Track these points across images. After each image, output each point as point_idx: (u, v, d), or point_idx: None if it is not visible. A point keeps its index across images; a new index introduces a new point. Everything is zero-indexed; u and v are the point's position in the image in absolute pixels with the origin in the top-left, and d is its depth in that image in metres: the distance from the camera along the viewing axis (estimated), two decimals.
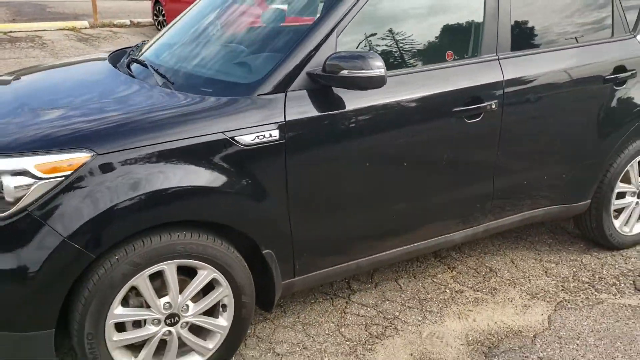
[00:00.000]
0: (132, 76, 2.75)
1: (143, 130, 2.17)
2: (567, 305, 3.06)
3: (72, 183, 2.06)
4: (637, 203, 3.56)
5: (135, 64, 2.92)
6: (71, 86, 2.77)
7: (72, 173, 2.06)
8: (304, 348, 2.70)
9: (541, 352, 2.69)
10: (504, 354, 2.67)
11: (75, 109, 2.36)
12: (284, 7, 3.26)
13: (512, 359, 2.64)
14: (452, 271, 3.38)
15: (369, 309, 3.01)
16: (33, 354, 2.16)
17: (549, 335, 2.81)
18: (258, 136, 2.30)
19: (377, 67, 2.27)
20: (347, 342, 2.75)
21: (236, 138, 2.26)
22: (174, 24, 3.40)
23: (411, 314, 2.97)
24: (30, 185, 2.04)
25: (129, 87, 2.60)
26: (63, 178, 2.05)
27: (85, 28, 14.40)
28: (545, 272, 3.39)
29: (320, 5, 2.90)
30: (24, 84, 2.87)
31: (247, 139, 2.28)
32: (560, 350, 2.70)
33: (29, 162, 2.05)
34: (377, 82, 2.30)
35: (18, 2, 21.75)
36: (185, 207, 2.21)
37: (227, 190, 2.26)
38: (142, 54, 3.07)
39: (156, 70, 2.70)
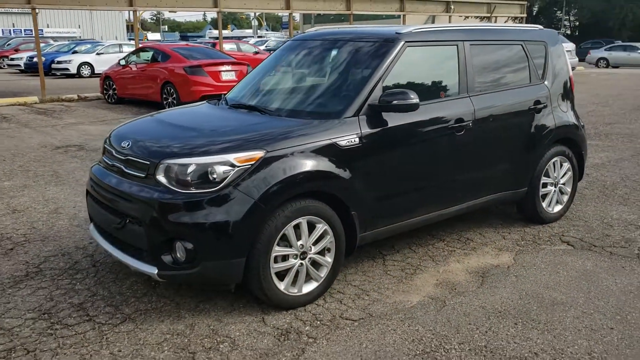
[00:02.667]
0: (247, 111, 4.25)
1: (289, 138, 3.67)
2: (522, 252, 4.74)
3: (255, 168, 3.51)
4: (554, 191, 5.37)
5: (240, 104, 4.42)
6: (212, 117, 4.24)
7: (255, 162, 3.51)
8: (369, 281, 4.18)
9: (515, 273, 4.32)
10: (493, 275, 4.28)
11: (238, 129, 3.84)
12: None
13: (499, 278, 4.24)
14: (443, 241, 4.98)
15: (398, 262, 4.54)
16: (231, 275, 3.52)
17: (517, 265, 4.46)
18: (348, 141, 3.85)
19: (414, 98, 3.92)
20: (394, 277, 4.25)
21: (337, 142, 3.81)
22: (251, 77, 4.94)
23: (428, 263, 4.52)
24: (231, 170, 3.47)
25: (256, 117, 4.09)
26: (250, 165, 3.50)
27: (36, 103, 15.31)
28: (503, 237, 5.08)
29: (329, 69, 4.56)
30: (172, 117, 4.30)
31: (343, 143, 3.83)
32: (525, 272, 4.34)
33: (231, 157, 3.49)
34: (414, 107, 3.94)
35: None
36: (316, 182, 3.70)
37: (336, 173, 3.77)
38: (240, 99, 4.58)
39: (265, 108, 4.21)
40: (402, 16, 23.15)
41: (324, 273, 3.87)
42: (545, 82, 5.24)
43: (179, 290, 4.04)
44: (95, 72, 25.23)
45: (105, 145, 4.18)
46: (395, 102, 3.91)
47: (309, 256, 3.78)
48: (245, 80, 5.04)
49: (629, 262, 4.50)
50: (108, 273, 4.35)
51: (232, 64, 13.26)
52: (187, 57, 13.09)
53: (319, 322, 3.61)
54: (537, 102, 5.08)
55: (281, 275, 3.71)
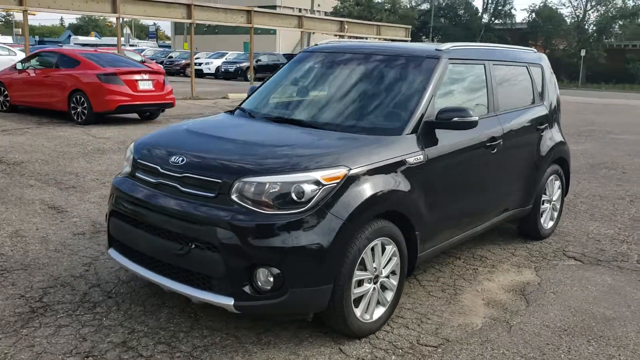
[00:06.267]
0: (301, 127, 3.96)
1: (365, 155, 3.46)
2: (540, 268, 4.85)
3: (341, 187, 3.26)
4: (549, 208, 5.58)
5: (279, 118, 4.14)
6: (264, 131, 3.91)
7: (340, 181, 3.27)
8: (419, 304, 4.04)
9: (550, 290, 4.39)
10: (532, 293, 4.32)
11: (310, 144, 3.57)
12: None
13: (539, 295, 4.29)
14: (460, 259, 4.97)
15: (433, 282, 4.45)
16: (317, 302, 3.23)
17: (545, 282, 4.54)
18: (415, 159, 3.71)
19: (473, 115, 3.87)
20: (440, 299, 4.15)
21: (407, 160, 3.66)
22: (269, 88, 4.64)
23: (462, 283, 4.47)
24: (318, 189, 3.20)
25: (316, 132, 3.80)
26: (335, 184, 3.25)
27: None
28: (512, 254, 5.17)
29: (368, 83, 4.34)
30: (214, 129, 3.92)
31: (411, 160, 3.68)
32: (558, 288, 4.44)
33: (318, 175, 3.22)
34: (474, 125, 3.89)
35: None
36: (393, 201, 3.53)
37: (406, 191, 3.61)
38: (272, 112, 4.29)
39: (316, 122, 3.95)
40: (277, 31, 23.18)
41: (390, 297, 3.69)
42: (544, 103, 5.44)
43: (228, 322, 3.64)
44: None
45: (141, 160, 3.68)
46: (455, 119, 3.84)
47: (380, 279, 3.57)
48: (262, 91, 4.72)
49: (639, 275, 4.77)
50: (132, 305, 3.83)
51: (149, 72, 12.50)
52: (99, 64, 12.12)
53: (400, 350, 3.42)
54: (541, 122, 5.26)
55: (355, 302, 3.47)
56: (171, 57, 38.29)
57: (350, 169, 3.32)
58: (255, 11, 20.86)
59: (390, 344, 3.48)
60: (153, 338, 3.42)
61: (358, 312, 3.45)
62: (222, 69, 34.47)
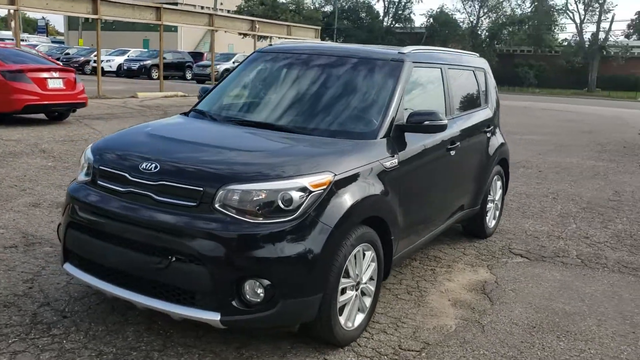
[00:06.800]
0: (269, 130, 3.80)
1: (347, 160, 3.39)
2: (492, 266, 4.98)
3: (328, 193, 3.17)
4: (493, 208, 5.76)
5: (245, 121, 3.96)
6: (238, 136, 3.71)
7: (327, 187, 3.17)
8: (390, 307, 4.02)
9: (508, 288, 4.51)
10: (492, 291, 4.42)
11: (292, 150, 3.45)
12: None
13: (500, 294, 4.39)
14: (416, 260, 5.01)
15: (396, 284, 4.45)
16: (307, 313, 3.12)
17: (502, 280, 4.67)
18: (391, 163, 3.68)
19: (443, 118, 3.89)
20: (407, 301, 4.15)
21: (383, 164, 3.62)
22: (225, 88, 4.46)
23: (424, 284, 4.50)
24: (307, 196, 3.09)
25: (296, 137, 3.66)
26: (322, 190, 3.15)
27: None
28: (463, 253, 5.29)
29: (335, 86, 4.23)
30: (182, 133, 3.69)
31: (387, 164, 3.65)
32: (515, 286, 4.57)
33: (306, 181, 3.10)
34: (444, 128, 3.92)
35: None
36: (375, 206, 3.47)
37: (384, 196, 3.57)
38: (236, 114, 4.11)
39: (291, 126, 3.82)
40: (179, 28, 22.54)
41: (368, 302, 3.63)
42: (489, 106, 5.61)
43: (200, 337, 3.44)
44: None
45: (103, 167, 3.39)
46: (427, 122, 3.85)
47: (361, 286, 3.51)
48: (218, 91, 4.50)
49: (583, 269, 5.01)
50: (92, 324, 3.53)
51: (60, 70, 11.72)
52: (2, 60, 11.19)
53: (385, 357, 3.37)
54: (488, 125, 5.42)
55: (339, 310, 3.39)
56: (68, 53, 36.34)
57: (335, 175, 3.23)
58: (165, 8, 20.20)
59: (374, 351, 3.43)
60: None
61: (342, 320, 3.37)
62: (125, 67, 33.12)
